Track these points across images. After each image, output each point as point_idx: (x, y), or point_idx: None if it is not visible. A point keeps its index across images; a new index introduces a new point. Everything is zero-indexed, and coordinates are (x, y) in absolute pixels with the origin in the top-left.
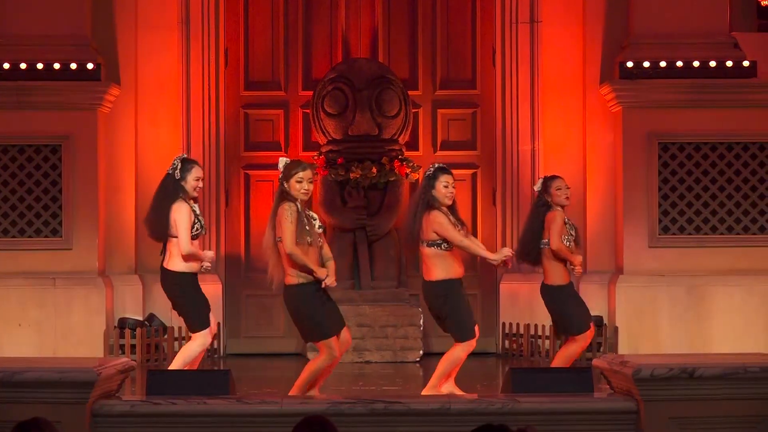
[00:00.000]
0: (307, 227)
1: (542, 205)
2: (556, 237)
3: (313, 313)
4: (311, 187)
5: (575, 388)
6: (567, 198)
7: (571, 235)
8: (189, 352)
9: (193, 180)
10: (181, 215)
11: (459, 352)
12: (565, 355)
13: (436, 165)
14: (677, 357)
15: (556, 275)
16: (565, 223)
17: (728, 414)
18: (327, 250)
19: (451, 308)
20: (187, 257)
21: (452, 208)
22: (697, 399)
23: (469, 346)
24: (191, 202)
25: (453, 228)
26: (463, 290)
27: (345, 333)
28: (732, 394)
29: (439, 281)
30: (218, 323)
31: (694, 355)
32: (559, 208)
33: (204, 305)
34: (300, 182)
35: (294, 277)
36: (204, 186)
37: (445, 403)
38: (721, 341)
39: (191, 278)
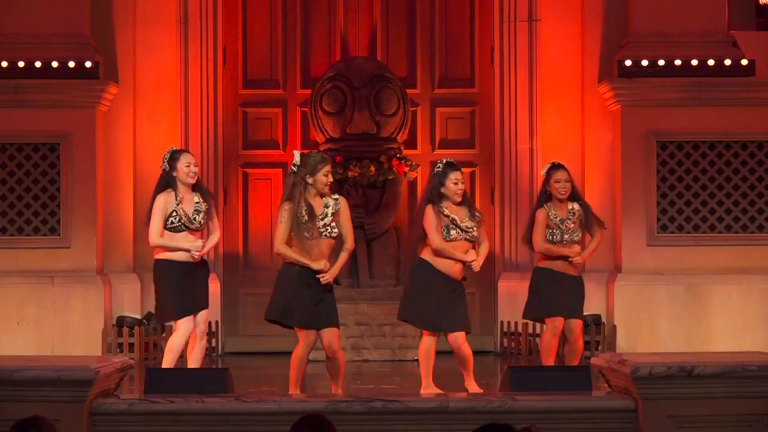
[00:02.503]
0: (307, 223)
1: (542, 194)
2: (537, 239)
3: (280, 293)
4: (331, 178)
5: (573, 386)
6: (563, 193)
7: (560, 229)
8: (174, 344)
9: (183, 167)
10: (157, 205)
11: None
12: (543, 348)
13: (445, 161)
14: (675, 355)
15: (545, 259)
16: (552, 219)
17: (726, 412)
18: (346, 238)
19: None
20: (157, 249)
21: (465, 202)
22: (695, 397)
23: (430, 339)
24: (182, 193)
25: (436, 229)
26: (447, 287)
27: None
28: (730, 392)
29: (431, 267)
30: (216, 322)
31: (693, 354)
32: (548, 205)
33: (181, 293)
34: (326, 176)
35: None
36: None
37: (444, 402)
38: (720, 340)
39: (171, 266)
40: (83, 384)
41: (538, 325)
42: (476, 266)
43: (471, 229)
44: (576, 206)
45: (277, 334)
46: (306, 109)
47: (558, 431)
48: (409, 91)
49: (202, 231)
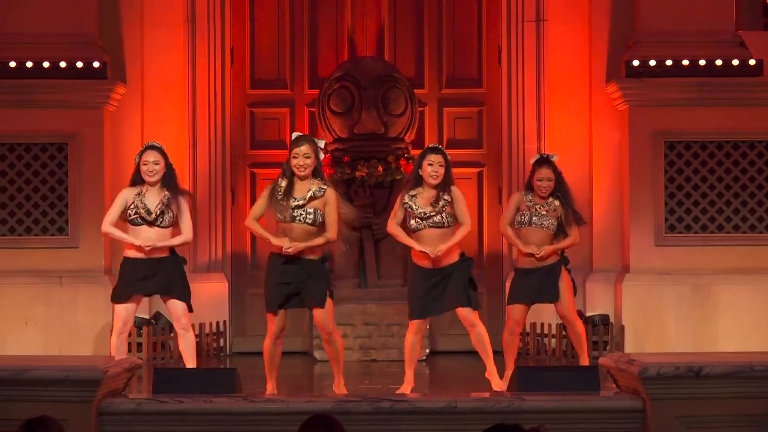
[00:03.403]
0: (281, 202)
1: (527, 183)
2: (502, 221)
3: (265, 283)
4: (308, 161)
5: (581, 386)
6: (543, 191)
7: (530, 212)
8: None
9: (141, 165)
10: (116, 198)
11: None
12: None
13: (429, 145)
14: (684, 356)
15: (519, 256)
16: (526, 202)
17: (735, 413)
18: (328, 228)
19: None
20: (105, 236)
21: (441, 186)
22: (703, 398)
23: (411, 325)
24: (147, 187)
25: (394, 215)
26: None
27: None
28: (738, 392)
29: (412, 263)
30: (224, 321)
31: (701, 354)
32: (526, 192)
33: (122, 284)
34: (295, 158)
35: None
36: (209, 184)
37: (451, 402)
38: (728, 340)
39: (123, 262)
40: (91, 384)
41: (545, 325)
42: (431, 254)
43: (429, 215)
44: (556, 202)
45: (284, 334)
46: (314, 109)
47: (566, 431)
48: (416, 91)
49: (173, 229)
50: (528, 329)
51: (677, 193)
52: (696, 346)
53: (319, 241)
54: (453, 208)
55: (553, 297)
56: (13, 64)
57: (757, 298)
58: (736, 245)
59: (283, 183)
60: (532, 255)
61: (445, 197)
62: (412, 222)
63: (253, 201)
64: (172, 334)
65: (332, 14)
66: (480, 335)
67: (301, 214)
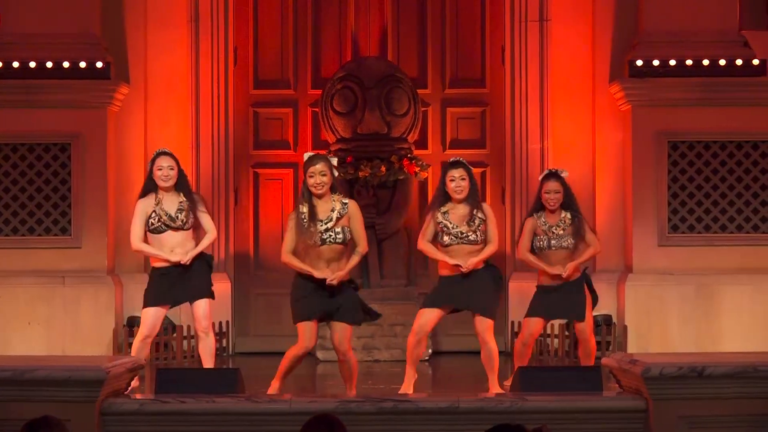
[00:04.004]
0: (309, 228)
1: (536, 201)
2: (520, 247)
3: (292, 298)
4: (324, 179)
5: (584, 386)
6: (552, 204)
7: (547, 236)
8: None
9: (156, 170)
10: (136, 211)
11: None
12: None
13: (451, 159)
14: (686, 356)
15: (540, 274)
16: (541, 226)
17: (738, 413)
18: (358, 242)
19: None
20: (137, 253)
21: (469, 200)
22: (706, 398)
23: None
24: (162, 194)
25: (423, 233)
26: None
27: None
28: (741, 392)
29: (439, 276)
30: (227, 322)
31: (704, 354)
32: (539, 214)
33: (152, 291)
34: (312, 177)
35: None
36: (212, 184)
37: (454, 402)
38: (731, 340)
39: (152, 272)
40: (94, 384)
41: (549, 325)
42: (464, 268)
43: (466, 235)
44: (568, 215)
45: (288, 334)
46: (317, 110)
47: (569, 431)
48: (419, 91)
49: (193, 230)
50: None
51: (680, 193)
52: (699, 346)
53: (356, 260)
54: (486, 226)
55: (579, 317)
56: (16, 64)
57: (761, 299)
58: (740, 245)
59: (305, 208)
60: (559, 276)
61: (480, 215)
62: (446, 238)
63: (256, 201)
64: (174, 335)
65: (335, 14)
66: (490, 352)
67: (330, 236)
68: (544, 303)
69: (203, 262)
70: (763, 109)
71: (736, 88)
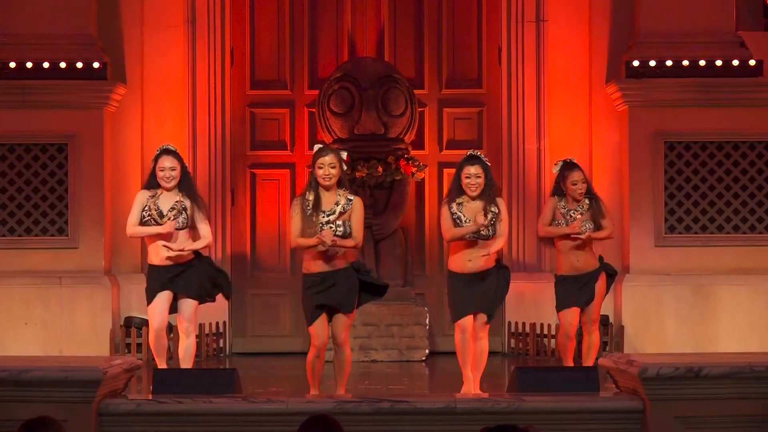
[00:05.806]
0: (311, 216)
1: (556, 188)
2: (540, 224)
3: (303, 303)
4: (333, 171)
5: (581, 387)
6: (580, 193)
7: (565, 219)
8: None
9: (158, 170)
10: (135, 201)
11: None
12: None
13: (468, 153)
14: (683, 356)
15: (560, 265)
16: (560, 209)
17: (734, 413)
18: (354, 235)
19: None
20: (133, 237)
21: (484, 196)
22: (703, 398)
23: (457, 327)
24: (162, 190)
25: (447, 223)
26: (464, 283)
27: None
28: (738, 393)
29: (449, 270)
30: (224, 322)
31: (700, 355)
32: (560, 198)
33: (151, 286)
34: (321, 168)
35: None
36: (209, 185)
37: (451, 402)
38: (727, 340)
39: (149, 269)
40: (91, 384)
41: (545, 325)
42: (480, 224)
43: (479, 229)
44: (586, 201)
45: (284, 334)
46: (313, 110)
47: None
48: (416, 91)
49: (188, 231)
50: (528, 330)
51: (677, 194)
52: (695, 346)
53: (349, 242)
54: (497, 220)
55: (588, 301)
56: (12, 64)
57: (757, 299)
58: (736, 246)
59: (311, 197)
60: (579, 236)
61: (493, 209)
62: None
63: (253, 202)
64: (171, 335)
65: (332, 15)
66: (483, 349)
67: (331, 228)
68: (572, 292)
69: (202, 262)
70: (759, 109)
71: (733, 89)
